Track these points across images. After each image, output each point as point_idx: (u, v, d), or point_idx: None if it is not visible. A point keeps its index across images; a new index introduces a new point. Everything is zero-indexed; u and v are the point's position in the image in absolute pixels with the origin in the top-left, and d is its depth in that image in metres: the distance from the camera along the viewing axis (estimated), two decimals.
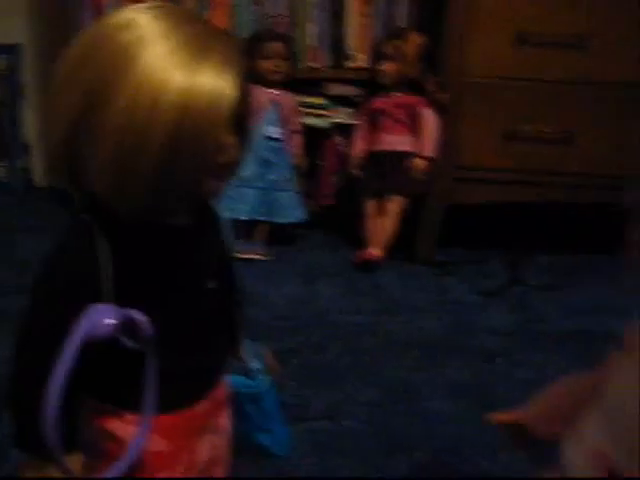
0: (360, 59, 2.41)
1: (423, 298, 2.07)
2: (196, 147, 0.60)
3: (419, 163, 2.21)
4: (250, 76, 0.63)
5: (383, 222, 2.30)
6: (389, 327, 1.87)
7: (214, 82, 0.60)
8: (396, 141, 2.26)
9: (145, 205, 0.62)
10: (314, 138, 2.50)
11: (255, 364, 0.89)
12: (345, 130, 2.47)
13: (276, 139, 2.35)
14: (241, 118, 0.68)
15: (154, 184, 0.60)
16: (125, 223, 0.65)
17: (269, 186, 2.35)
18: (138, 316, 0.64)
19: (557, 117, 2.12)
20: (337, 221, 2.55)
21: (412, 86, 2.23)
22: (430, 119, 2.20)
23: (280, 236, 2.43)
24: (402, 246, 2.32)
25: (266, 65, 2.30)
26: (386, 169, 2.29)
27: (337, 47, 2.43)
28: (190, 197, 0.65)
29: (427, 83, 2.18)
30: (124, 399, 0.71)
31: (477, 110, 2.13)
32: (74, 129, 0.61)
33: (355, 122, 2.41)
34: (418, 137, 2.23)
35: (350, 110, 2.46)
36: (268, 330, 1.80)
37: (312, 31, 2.41)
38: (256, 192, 2.34)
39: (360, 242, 2.33)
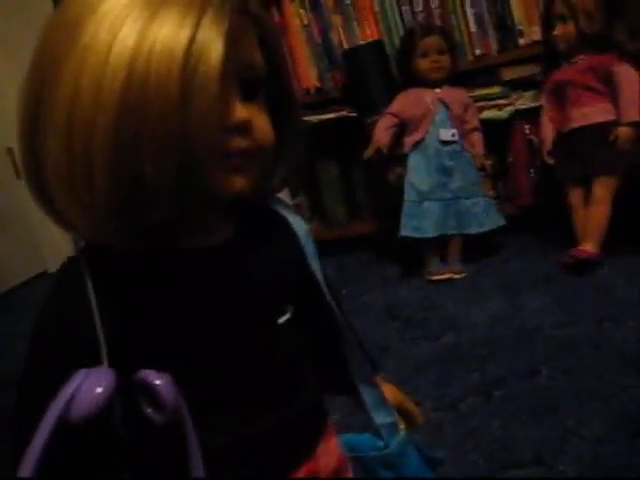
0: (532, 32, 2.10)
1: None
2: (160, 124, 0.42)
3: (624, 131, 1.84)
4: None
5: (593, 211, 1.93)
6: (616, 338, 1.51)
7: (172, 32, 0.42)
8: (591, 112, 1.90)
9: (114, 218, 0.44)
10: (497, 132, 2.22)
11: (383, 416, 0.66)
12: (531, 116, 2.16)
13: (452, 142, 2.10)
14: (254, 81, 0.49)
15: (115, 186, 0.42)
16: (120, 253, 0.48)
17: (454, 195, 2.11)
18: (152, 377, 0.46)
19: None
20: (540, 221, 2.22)
21: (597, 44, 1.86)
22: (628, 76, 1.82)
23: (476, 248, 2.16)
24: (622, 236, 1.92)
25: (424, 63, 2.08)
26: (586, 148, 1.93)
27: (503, 26, 2.13)
28: (188, 201, 0.45)
29: (615, 34, 1.81)
30: None
31: None
32: (30, 128, 0.46)
33: (540, 104, 2.08)
34: (617, 101, 1.85)
35: (532, 92, 2.15)
36: (466, 359, 1.55)
37: (471, 15, 2.15)
38: (441, 205, 2.11)
39: (570, 240, 1.98)
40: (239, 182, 0.49)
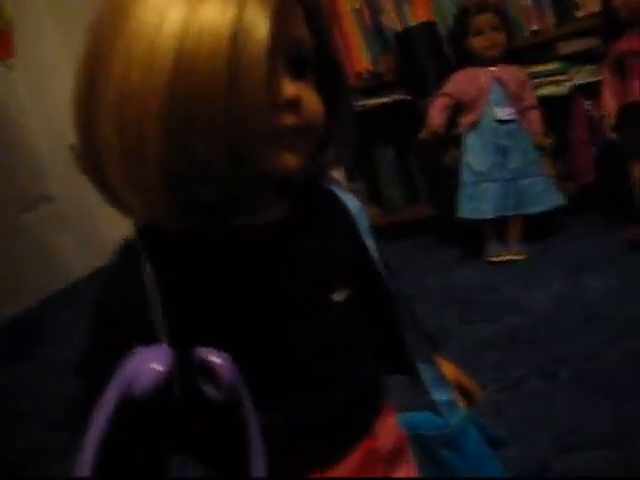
0: (589, 4, 2.03)
1: None
2: (209, 103, 0.42)
3: None
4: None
5: None
6: None
7: (218, 12, 0.42)
8: None
9: (168, 197, 0.45)
10: (557, 109, 2.16)
11: (442, 394, 0.66)
12: (591, 91, 2.09)
13: (509, 121, 2.06)
14: (302, 58, 0.50)
15: (168, 166, 0.43)
16: (175, 233, 0.49)
17: (513, 175, 2.06)
18: (212, 355, 0.47)
19: None
20: (603, 199, 2.15)
21: None
22: None
23: (537, 229, 2.11)
24: None
25: (479, 42, 2.04)
26: None
27: None
28: (240, 178, 0.46)
29: None
30: (233, 467, 0.53)
31: None
32: (84, 113, 0.47)
33: (600, 78, 2.01)
34: None
35: (592, 66, 2.08)
36: (528, 341, 1.53)
37: None
38: (499, 185, 2.07)
39: (635, 218, 1.91)
40: (290, 160, 0.49)
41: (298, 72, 0.49)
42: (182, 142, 0.43)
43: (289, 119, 0.48)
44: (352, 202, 0.61)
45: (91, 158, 0.48)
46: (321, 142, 0.53)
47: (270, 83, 0.46)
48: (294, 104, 0.48)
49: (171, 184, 0.44)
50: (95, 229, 3.08)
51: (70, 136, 0.50)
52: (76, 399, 0.52)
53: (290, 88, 0.48)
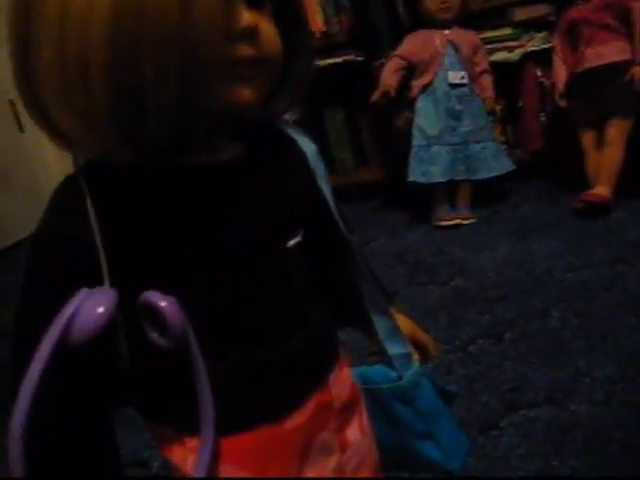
0: None
1: None
2: (159, 27, 0.39)
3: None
4: None
5: (606, 154, 1.89)
6: (629, 280, 1.49)
7: None
8: (605, 52, 1.85)
9: (113, 126, 0.41)
10: (507, 75, 2.16)
11: (396, 347, 0.64)
12: (542, 58, 2.10)
13: (461, 85, 2.05)
14: None
15: (112, 93, 0.40)
16: (121, 171, 0.46)
17: (463, 140, 2.06)
18: (158, 299, 0.44)
19: None
20: (552, 165, 2.18)
21: None
22: None
23: (485, 194, 2.13)
24: (634, 178, 1.88)
25: (434, 3, 2.01)
26: (599, 90, 1.87)
27: None
28: (192, 110, 0.42)
29: None
30: (180, 419, 0.51)
31: None
32: (22, 50, 0.43)
33: (552, 45, 2.02)
34: (633, 39, 1.79)
35: (544, 33, 2.09)
36: (475, 303, 1.54)
37: None
38: (449, 149, 2.06)
39: (582, 185, 1.94)
40: (246, 93, 0.46)
41: (256, 2, 0.46)
42: (128, 66, 0.39)
43: (245, 50, 0.45)
44: (308, 145, 0.58)
45: (29, 87, 0.44)
46: (277, 78, 0.50)
47: (226, 10, 0.43)
48: (251, 34, 0.45)
49: (116, 112, 0.41)
50: (35, 190, 2.96)
51: (9, 92, 0.46)
52: (12, 350, 0.49)
53: (247, 17, 0.44)
